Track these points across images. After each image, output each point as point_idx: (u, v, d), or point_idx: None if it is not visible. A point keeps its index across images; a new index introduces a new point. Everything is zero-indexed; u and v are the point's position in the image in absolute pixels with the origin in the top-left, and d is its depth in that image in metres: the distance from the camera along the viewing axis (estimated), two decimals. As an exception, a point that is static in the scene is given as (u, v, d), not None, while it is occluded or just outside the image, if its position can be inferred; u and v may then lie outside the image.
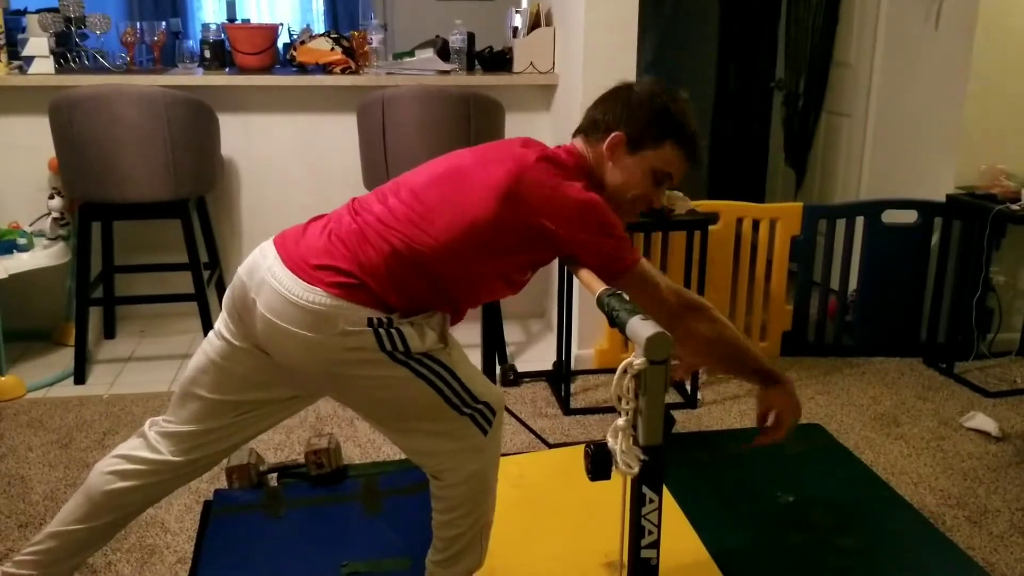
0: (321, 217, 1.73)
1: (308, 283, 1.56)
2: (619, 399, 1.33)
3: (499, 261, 1.65)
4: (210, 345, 1.74)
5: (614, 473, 1.35)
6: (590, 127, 1.76)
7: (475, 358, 3.53)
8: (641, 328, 1.30)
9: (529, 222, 1.60)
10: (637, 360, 1.29)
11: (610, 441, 1.34)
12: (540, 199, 1.60)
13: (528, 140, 1.75)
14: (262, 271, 1.62)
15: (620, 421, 1.33)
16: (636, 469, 1.32)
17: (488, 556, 2.16)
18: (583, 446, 1.36)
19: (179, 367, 3.56)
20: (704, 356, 1.84)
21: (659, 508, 1.36)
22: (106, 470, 1.78)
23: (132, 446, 1.80)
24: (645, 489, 1.34)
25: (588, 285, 1.56)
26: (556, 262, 1.79)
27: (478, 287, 1.71)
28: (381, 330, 1.57)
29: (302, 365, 1.62)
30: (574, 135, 1.80)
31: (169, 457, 1.76)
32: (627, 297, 1.45)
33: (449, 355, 1.67)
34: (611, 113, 1.72)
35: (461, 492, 1.73)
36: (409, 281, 1.60)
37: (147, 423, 1.82)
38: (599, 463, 1.34)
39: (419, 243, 1.59)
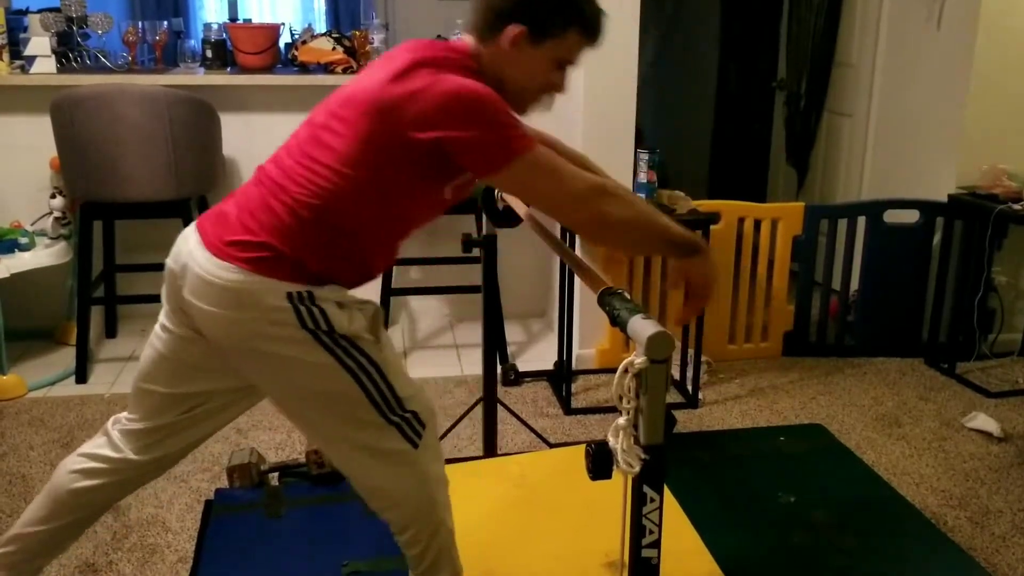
0: (235, 192, 1.68)
1: (222, 260, 1.52)
2: (620, 398, 1.33)
3: (402, 190, 1.56)
4: (156, 338, 1.70)
5: (615, 472, 1.35)
6: (484, 21, 1.59)
7: (476, 357, 3.54)
8: (642, 327, 1.30)
9: (406, 140, 1.48)
10: (638, 359, 1.28)
11: (611, 440, 1.33)
12: (412, 113, 1.47)
13: (410, 45, 1.59)
14: (184, 256, 1.58)
15: (621, 420, 1.33)
16: (637, 468, 1.32)
17: (488, 555, 2.17)
18: (584, 446, 1.36)
19: (180, 366, 3.56)
20: (622, 241, 1.67)
21: (660, 507, 1.35)
22: (71, 469, 1.75)
23: (96, 444, 1.78)
24: (646, 488, 1.34)
25: (589, 284, 1.56)
26: (557, 262, 1.76)
27: (397, 222, 1.62)
28: (302, 306, 1.52)
29: (229, 346, 1.58)
30: (464, 30, 1.65)
31: (131, 456, 1.73)
32: (628, 296, 1.45)
33: (380, 351, 1.61)
34: (508, 2, 1.57)
35: (405, 512, 1.69)
36: (325, 240, 1.54)
37: (110, 420, 1.79)
38: (600, 462, 1.33)
39: (317, 198, 1.52)
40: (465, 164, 1.52)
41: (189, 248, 1.58)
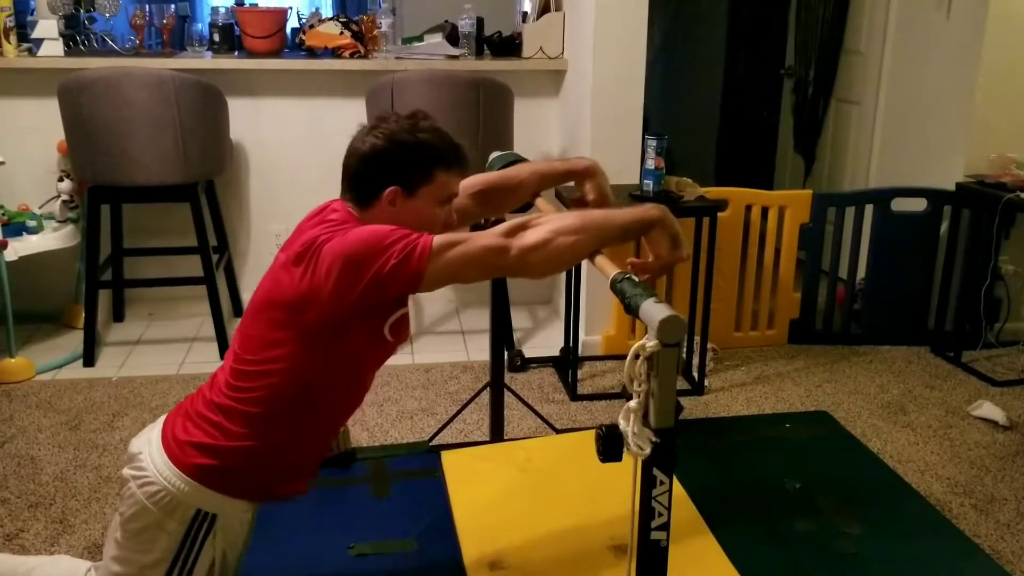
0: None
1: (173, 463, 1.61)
2: (631, 381, 1.33)
3: (351, 356, 1.63)
4: None
5: (623, 457, 1.35)
6: (360, 194, 1.68)
7: (482, 343, 3.55)
8: (655, 311, 1.30)
9: (337, 315, 1.55)
10: (650, 343, 1.29)
11: (622, 423, 1.34)
12: (329, 291, 1.53)
13: (301, 228, 1.70)
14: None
15: (632, 403, 1.33)
16: (647, 451, 1.32)
17: (495, 539, 2.18)
18: (592, 430, 1.37)
19: (187, 350, 3.57)
20: (570, 254, 1.60)
21: (670, 490, 1.36)
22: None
23: None
24: (656, 471, 1.34)
25: (601, 269, 1.56)
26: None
27: (353, 384, 1.71)
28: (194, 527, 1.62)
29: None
30: (341, 198, 1.74)
31: None
32: (637, 279, 1.45)
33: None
34: (371, 174, 1.66)
35: None
36: (270, 437, 1.62)
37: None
38: (610, 445, 1.34)
39: (267, 400, 1.60)
40: (393, 292, 1.56)
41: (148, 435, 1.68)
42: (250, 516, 1.73)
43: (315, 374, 1.60)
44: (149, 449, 1.63)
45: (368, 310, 1.56)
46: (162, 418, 1.70)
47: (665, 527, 1.39)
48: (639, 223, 1.61)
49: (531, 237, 1.55)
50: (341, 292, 1.52)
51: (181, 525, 1.60)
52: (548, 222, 1.58)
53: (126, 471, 1.65)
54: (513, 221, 1.59)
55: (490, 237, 1.56)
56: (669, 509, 1.38)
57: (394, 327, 1.63)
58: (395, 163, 1.65)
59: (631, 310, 1.39)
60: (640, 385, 1.33)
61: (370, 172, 1.66)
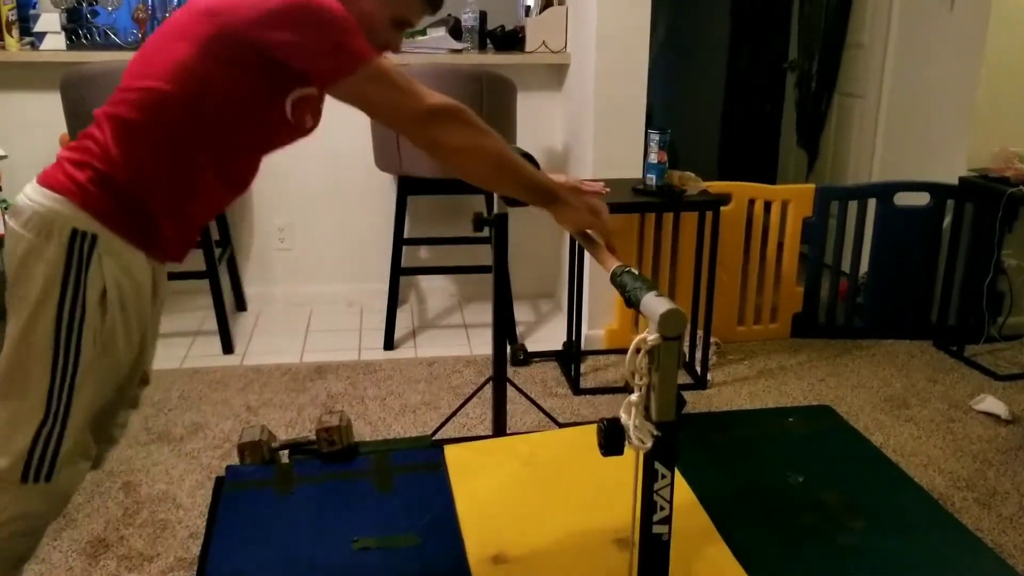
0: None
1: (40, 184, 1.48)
2: (633, 375, 1.33)
3: (239, 104, 1.48)
4: None
5: (625, 450, 1.35)
6: None
7: (485, 337, 3.56)
8: (656, 304, 1.30)
9: (240, 40, 1.41)
10: (651, 336, 1.29)
11: (623, 417, 1.34)
12: (249, 12, 1.40)
13: None
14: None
15: (633, 397, 1.33)
16: (649, 444, 1.32)
17: (498, 533, 2.19)
18: (595, 424, 1.37)
19: (190, 344, 3.58)
20: (466, 171, 1.56)
21: (671, 484, 1.36)
22: None
23: None
24: (657, 465, 1.34)
25: (602, 262, 1.56)
26: (567, 242, 1.74)
27: (235, 147, 1.55)
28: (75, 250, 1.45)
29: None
30: None
31: None
32: (636, 272, 1.45)
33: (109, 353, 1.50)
34: None
35: None
36: (152, 166, 1.48)
37: None
38: (612, 438, 1.34)
39: (145, 113, 1.46)
40: (306, 70, 1.46)
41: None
42: (141, 259, 1.53)
43: (206, 108, 1.47)
44: (26, 190, 1.49)
45: (272, 65, 1.44)
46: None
47: (667, 521, 1.39)
48: (545, 190, 1.63)
49: (451, 139, 1.49)
50: (258, 21, 1.40)
51: (60, 248, 1.43)
52: (480, 134, 1.52)
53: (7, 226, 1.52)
54: (449, 104, 1.49)
55: (421, 105, 1.47)
56: (671, 503, 1.38)
57: (297, 106, 1.53)
58: None
59: (632, 303, 1.39)
60: (641, 379, 1.33)
61: None
